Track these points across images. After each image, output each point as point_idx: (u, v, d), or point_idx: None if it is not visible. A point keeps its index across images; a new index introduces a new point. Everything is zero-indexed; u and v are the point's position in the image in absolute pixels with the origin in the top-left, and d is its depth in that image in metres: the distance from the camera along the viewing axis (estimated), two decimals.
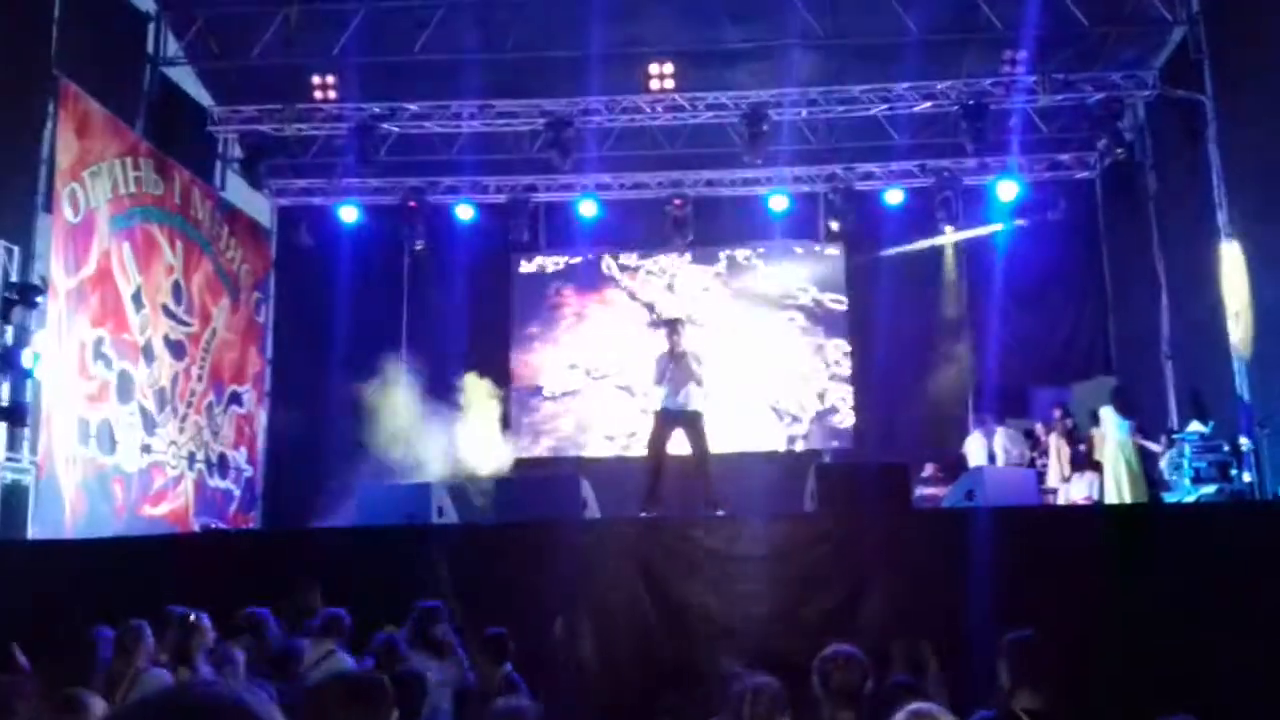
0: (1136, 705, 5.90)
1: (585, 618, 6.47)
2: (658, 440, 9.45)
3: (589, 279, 15.50)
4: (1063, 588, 6.97)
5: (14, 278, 9.77)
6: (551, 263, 15.54)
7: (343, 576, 6.89)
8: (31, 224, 10.23)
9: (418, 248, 14.68)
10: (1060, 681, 3.84)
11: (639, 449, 12.41)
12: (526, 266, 15.55)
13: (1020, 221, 14.48)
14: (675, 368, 9.24)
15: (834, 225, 14.74)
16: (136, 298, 11.75)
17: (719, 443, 14.55)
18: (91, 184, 10.96)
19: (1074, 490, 11.87)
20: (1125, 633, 6.73)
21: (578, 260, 15.45)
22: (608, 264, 15.53)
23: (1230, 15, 11.33)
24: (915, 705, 3.34)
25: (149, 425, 11.83)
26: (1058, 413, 12.70)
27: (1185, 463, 10.43)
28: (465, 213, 14.86)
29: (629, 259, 15.46)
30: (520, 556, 7.69)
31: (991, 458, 12.46)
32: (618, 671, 6.79)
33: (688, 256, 15.43)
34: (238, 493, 13.82)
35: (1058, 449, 12.33)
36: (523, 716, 3.91)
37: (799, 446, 14.71)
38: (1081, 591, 6.97)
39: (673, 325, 9.57)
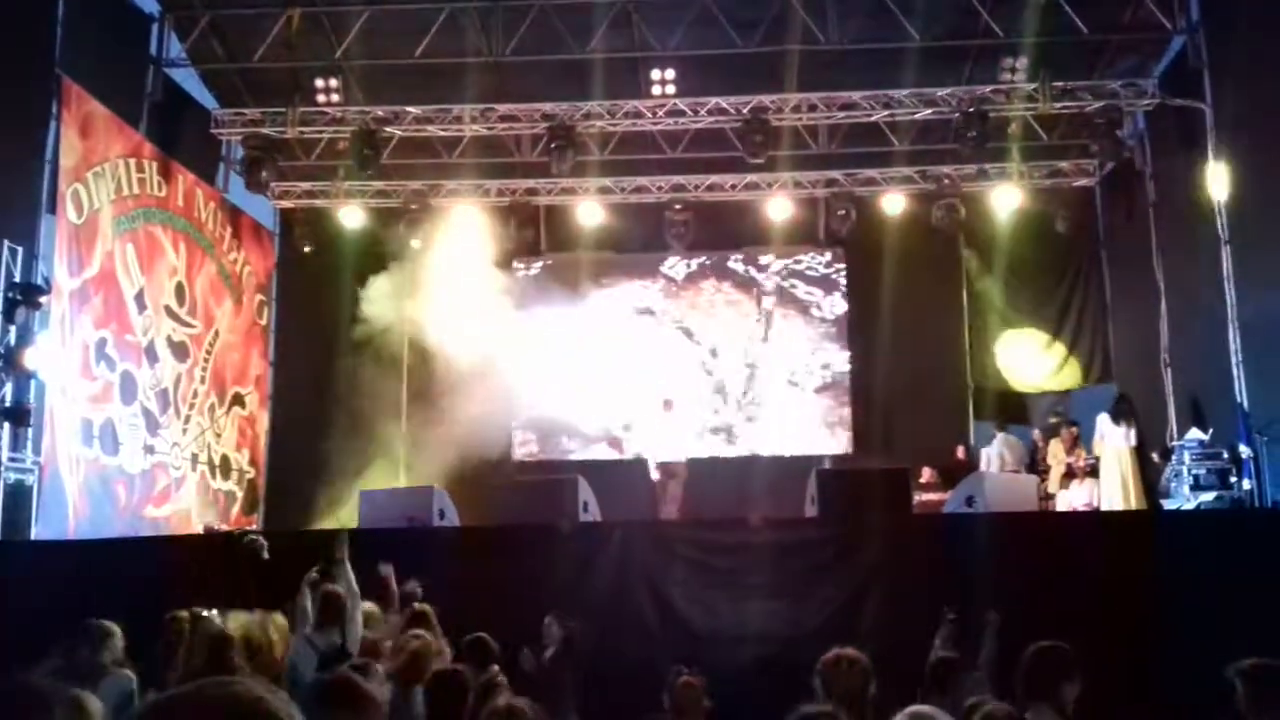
0: (1134, 710, 5.94)
1: (574, 616, 6.48)
2: None
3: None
4: (1061, 593, 7.02)
5: (17, 278, 9.80)
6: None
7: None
8: (35, 224, 10.24)
9: (416, 248, 14.61)
10: (1080, 698, 3.61)
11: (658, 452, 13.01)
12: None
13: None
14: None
15: (834, 230, 14.78)
16: (139, 299, 11.77)
17: (721, 448, 14.70)
18: (95, 185, 10.97)
19: (1074, 496, 11.92)
20: (1124, 638, 6.77)
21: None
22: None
23: (1230, 24, 11.38)
24: (914, 708, 3.38)
25: (152, 426, 11.85)
26: (1054, 420, 12.74)
27: (1185, 470, 10.46)
28: (466, 215, 14.84)
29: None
30: (518, 559, 7.73)
31: (991, 463, 12.52)
32: (618, 673, 6.81)
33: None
34: (240, 494, 13.84)
35: (1056, 455, 12.36)
36: (521, 717, 3.91)
37: (798, 451, 14.71)
38: (1080, 597, 7.02)
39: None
